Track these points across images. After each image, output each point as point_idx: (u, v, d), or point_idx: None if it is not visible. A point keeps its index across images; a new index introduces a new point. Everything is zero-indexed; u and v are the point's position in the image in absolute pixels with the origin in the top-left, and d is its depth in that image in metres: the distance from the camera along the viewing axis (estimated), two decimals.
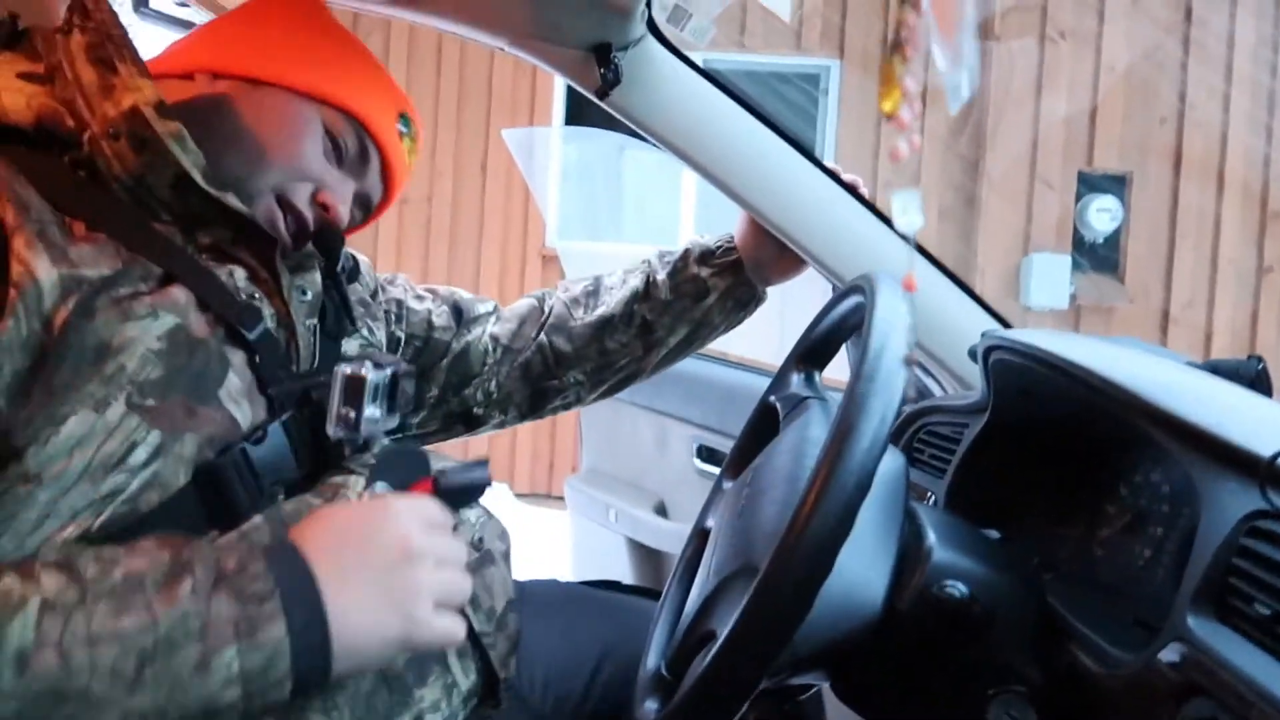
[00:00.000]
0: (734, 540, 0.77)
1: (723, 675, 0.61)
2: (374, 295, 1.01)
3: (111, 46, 0.74)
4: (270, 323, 0.78)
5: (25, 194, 0.67)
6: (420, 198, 4.55)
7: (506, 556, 0.88)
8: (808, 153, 1.13)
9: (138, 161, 0.72)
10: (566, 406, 1.14)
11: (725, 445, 0.99)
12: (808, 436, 0.78)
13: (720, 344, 1.22)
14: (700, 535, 0.91)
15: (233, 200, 0.75)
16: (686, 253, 1.12)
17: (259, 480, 0.71)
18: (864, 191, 1.16)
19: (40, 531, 0.62)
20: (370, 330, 0.94)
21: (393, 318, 1.02)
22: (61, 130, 0.72)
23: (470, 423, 1.10)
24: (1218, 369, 0.84)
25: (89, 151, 0.72)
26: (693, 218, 4.47)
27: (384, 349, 0.97)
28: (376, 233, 4.50)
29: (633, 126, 1.09)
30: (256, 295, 0.78)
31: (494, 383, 1.09)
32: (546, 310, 1.12)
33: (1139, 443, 0.78)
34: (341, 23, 0.90)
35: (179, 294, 0.71)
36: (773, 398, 0.92)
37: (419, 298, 1.06)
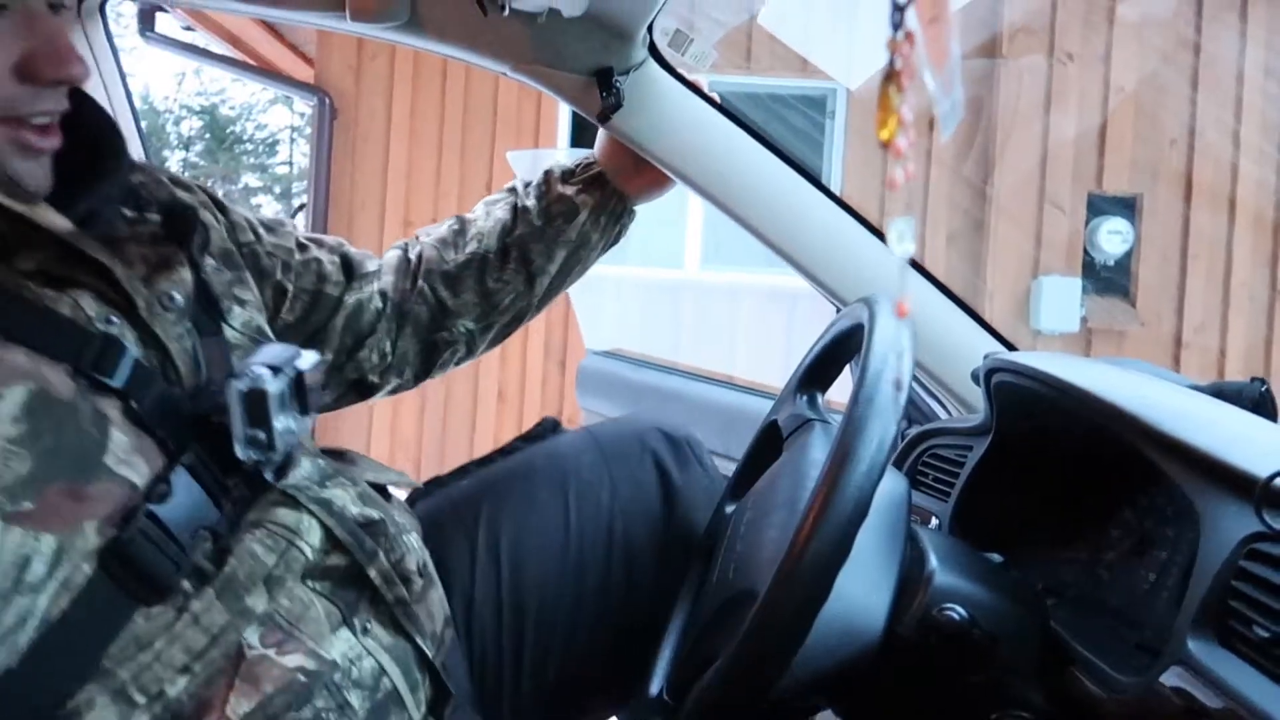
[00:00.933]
0: (735, 564, 0.77)
1: (722, 700, 0.61)
2: (234, 237, 0.87)
3: None
4: (137, 350, 0.67)
5: None
6: (425, 219, 4.58)
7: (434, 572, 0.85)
8: (810, 175, 1.15)
9: None
10: (459, 360, 1.09)
11: (729, 470, 1.00)
12: (808, 459, 0.79)
13: (725, 366, 1.23)
14: (702, 557, 0.92)
15: (61, 221, 0.65)
16: (549, 174, 1.09)
17: (177, 541, 0.64)
18: None
19: None
20: (245, 293, 0.83)
21: (279, 265, 0.92)
22: None
23: (364, 390, 1.03)
24: (1221, 392, 0.85)
25: None
26: (699, 241, 4.49)
27: (267, 306, 0.88)
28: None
29: (635, 149, 1.11)
30: (113, 319, 0.67)
31: (387, 343, 1.02)
32: (414, 257, 1.06)
33: (1142, 465, 0.78)
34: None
35: (18, 354, 0.61)
36: (775, 419, 0.93)
37: (304, 246, 0.97)
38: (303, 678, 0.67)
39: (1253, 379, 0.88)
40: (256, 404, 0.66)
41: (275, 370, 0.67)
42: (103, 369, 0.64)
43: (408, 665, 0.75)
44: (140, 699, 0.61)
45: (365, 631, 0.73)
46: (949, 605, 0.68)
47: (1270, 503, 0.57)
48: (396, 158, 4.50)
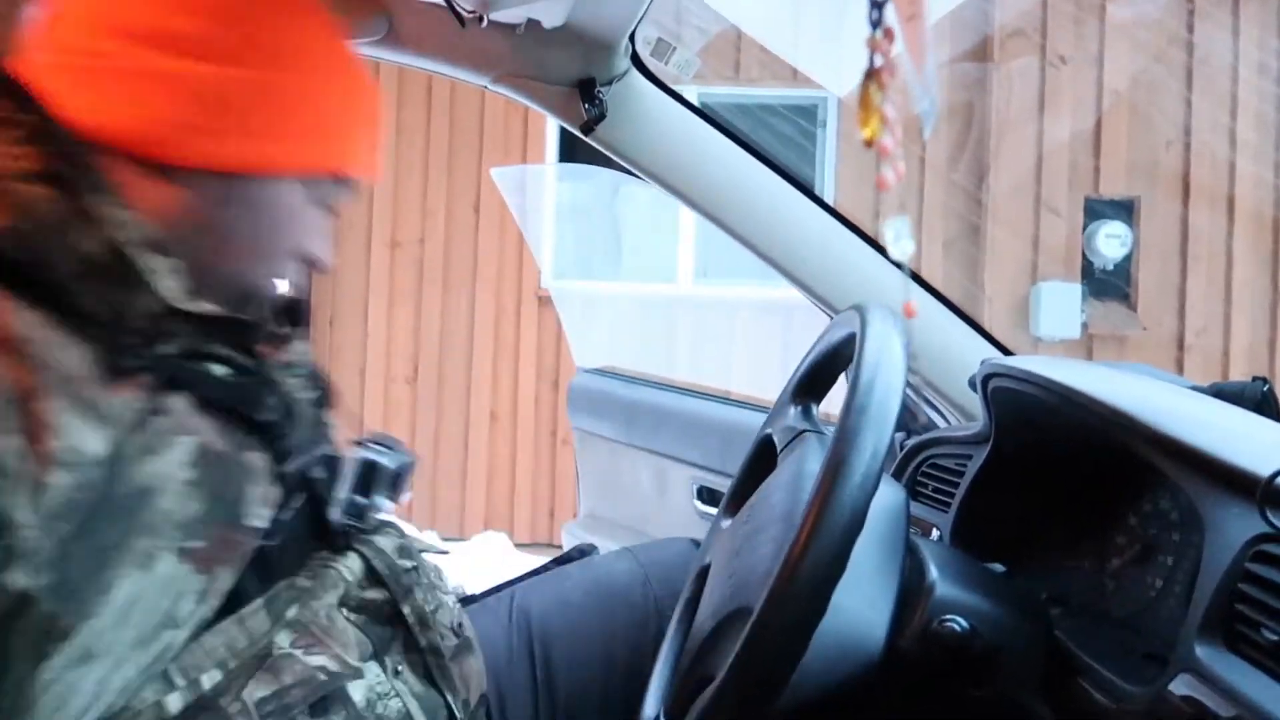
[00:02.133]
0: (730, 580, 0.77)
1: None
2: None
3: (72, 167, 0.64)
4: (274, 408, 0.72)
5: (49, 344, 0.59)
6: (412, 239, 4.58)
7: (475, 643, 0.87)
8: (799, 183, 1.15)
9: (114, 297, 0.63)
10: None
11: (726, 486, 1.00)
12: (803, 471, 0.79)
13: (721, 381, 1.23)
14: (699, 575, 0.91)
15: (212, 308, 0.69)
16: None
17: (272, 579, 0.70)
18: None
19: (89, 715, 0.59)
20: None
21: None
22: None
23: None
24: (1222, 392, 0.85)
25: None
26: (691, 255, 4.50)
27: None
28: (368, 275, 4.53)
29: (620, 160, 1.11)
30: (252, 373, 0.72)
31: None
32: None
33: (1145, 470, 0.78)
34: None
35: (178, 403, 0.65)
36: (769, 431, 0.93)
37: None
38: (323, 676, 0.69)
39: (1254, 378, 0.88)
40: (368, 476, 0.74)
41: (387, 450, 0.74)
42: (248, 424, 0.70)
43: (436, 718, 0.76)
44: (180, 682, 0.64)
45: (397, 674, 0.75)
46: (950, 617, 0.68)
47: (1274, 502, 0.57)
48: (382, 177, 4.51)
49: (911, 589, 0.70)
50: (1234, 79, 4.50)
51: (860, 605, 0.68)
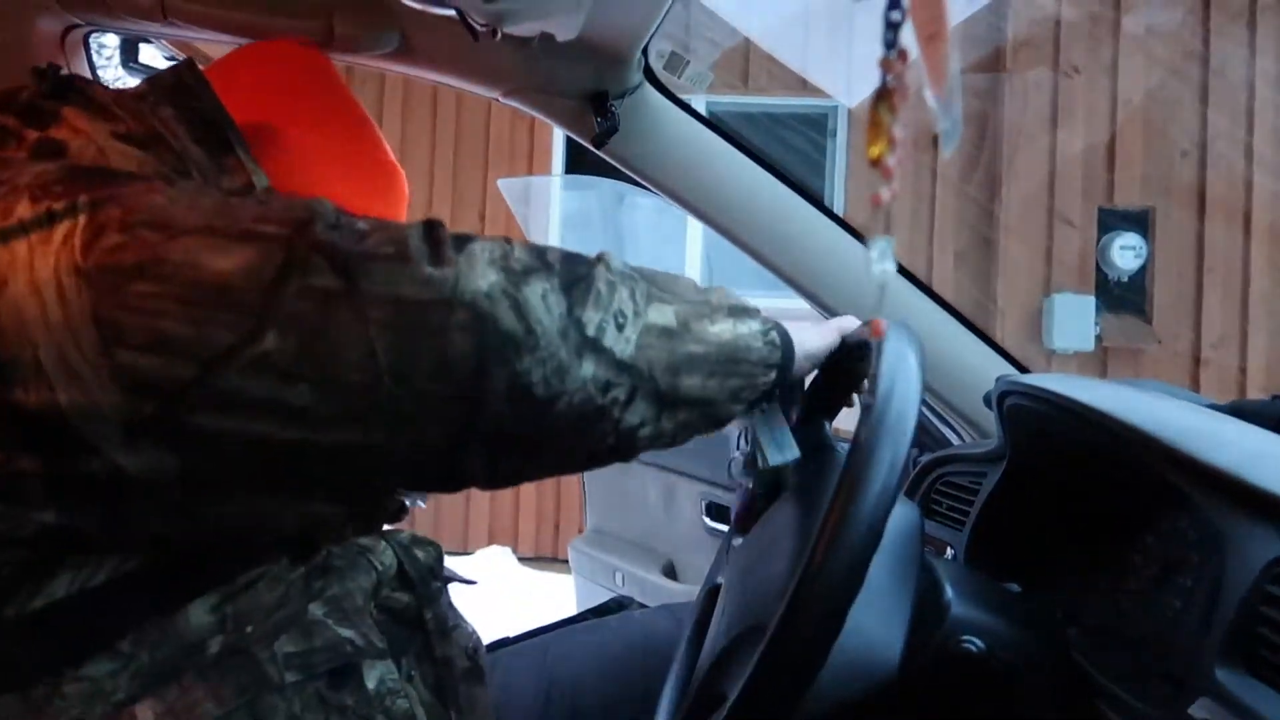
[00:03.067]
0: (743, 598, 0.77)
1: None
2: None
3: (214, 129, 0.75)
4: None
5: None
6: None
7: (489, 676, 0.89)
8: (810, 195, 1.16)
9: None
10: None
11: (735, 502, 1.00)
12: (818, 487, 0.79)
13: None
14: (710, 595, 0.92)
15: None
16: None
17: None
18: None
19: None
20: None
21: None
22: None
23: None
24: (1241, 410, 0.85)
25: None
26: (698, 266, 4.51)
27: None
28: None
29: (631, 174, 1.12)
30: None
31: None
32: None
33: (1162, 488, 0.78)
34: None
35: None
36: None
37: None
38: (348, 648, 0.71)
39: (1274, 396, 0.89)
40: None
41: None
42: None
43: None
44: (230, 626, 0.67)
45: (410, 679, 0.76)
46: (966, 637, 0.68)
47: None
48: None
49: (926, 609, 0.70)
50: (1250, 91, 4.50)
51: (874, 625, 0.68)
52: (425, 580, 0.81)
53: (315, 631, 0.70)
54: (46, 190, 0.60)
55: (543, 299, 0.62)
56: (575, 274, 0.65)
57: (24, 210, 0.60)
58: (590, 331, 0.64)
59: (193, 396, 0.57)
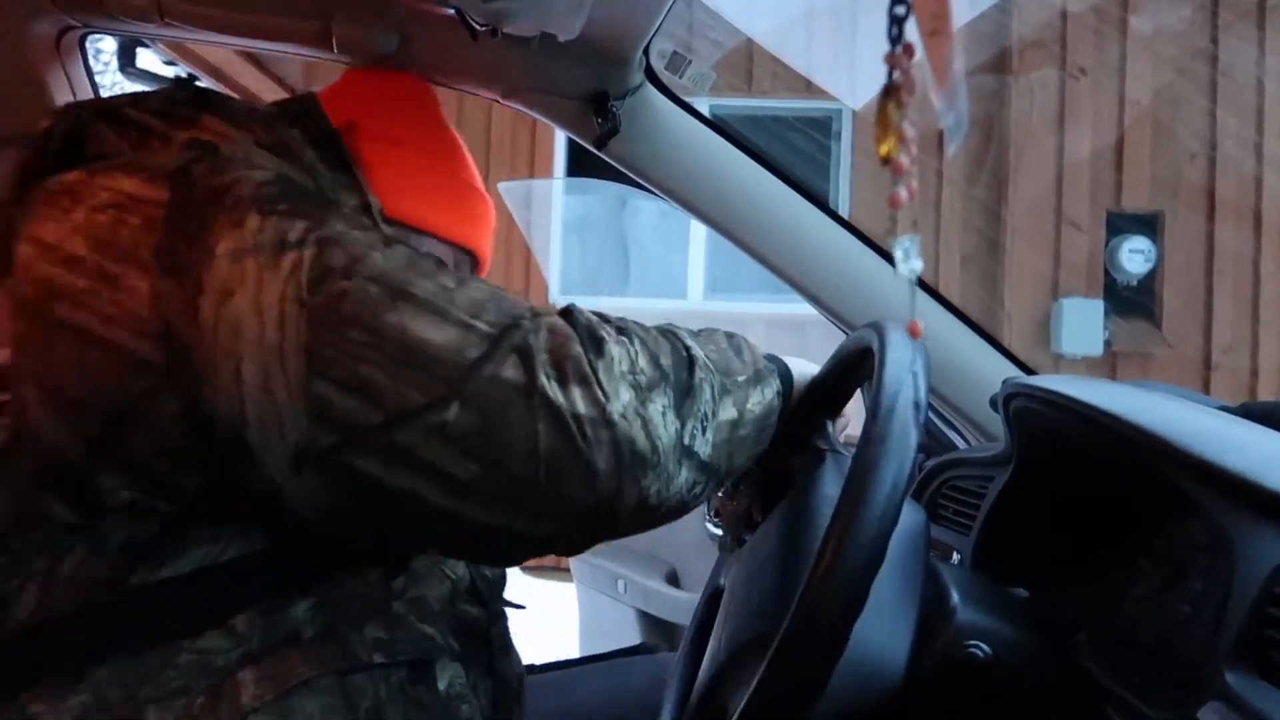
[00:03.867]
0: (747, 607, 0.77)
1: None
2: None
3: (333, 149, 0.81)
4: None
5: None
6: None
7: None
8: (814, 197, 1.16)
9: None
10: None
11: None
12: (820, 494, 0.79)
13: None
14: (712, 598, 0.92)
15: None
16: None
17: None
18: None
19: None
20: None
21: None
22: None
23: None
24: (1252, 413, 0.85)
25: None
26: (702, 270, 4.51)
27: None
28: None
29: (633, 176, 1.12)
30: None
31: None
32: None
33: (1171, 492, 0.78)
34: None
35: None
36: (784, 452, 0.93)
37: None
38: (427, 643, 0.76)
39: None
40: None
41: None
42: None
43: None
44: (325, 612, 0.71)
45: (475, 689, 0.81)
46: (973, 643, 0.68)
47: None
48: None
49: (932, 614, 0.70)
50: (1260, 91, 4.50)
51: (880, 631, 0.68)
52: (494, 597, 0.86)
53: (399, 624, 0.75)
54: (273, 206, 0.65)
55: (663, 416, 0.69)
56: (683, 384, 0.72)
57: (253, 224, 0.64)
58: (687, 440, 0.71)
59: (370, 442, 0.62)
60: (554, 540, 0.69)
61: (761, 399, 0.81)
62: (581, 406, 0.65)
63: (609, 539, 0.70)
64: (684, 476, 0.71)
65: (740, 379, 0.79)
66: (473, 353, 0.64)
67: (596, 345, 0.68)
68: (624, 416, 0.66)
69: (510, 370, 0.64)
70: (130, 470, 0.63)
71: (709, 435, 0.73)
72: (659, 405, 0.69)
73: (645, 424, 0.67)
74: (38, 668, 0.63)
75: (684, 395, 0.71)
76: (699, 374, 0.74)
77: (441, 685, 0.77)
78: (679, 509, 0.73)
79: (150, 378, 0.62)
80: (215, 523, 0.66)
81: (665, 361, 0.72)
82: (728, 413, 0.76)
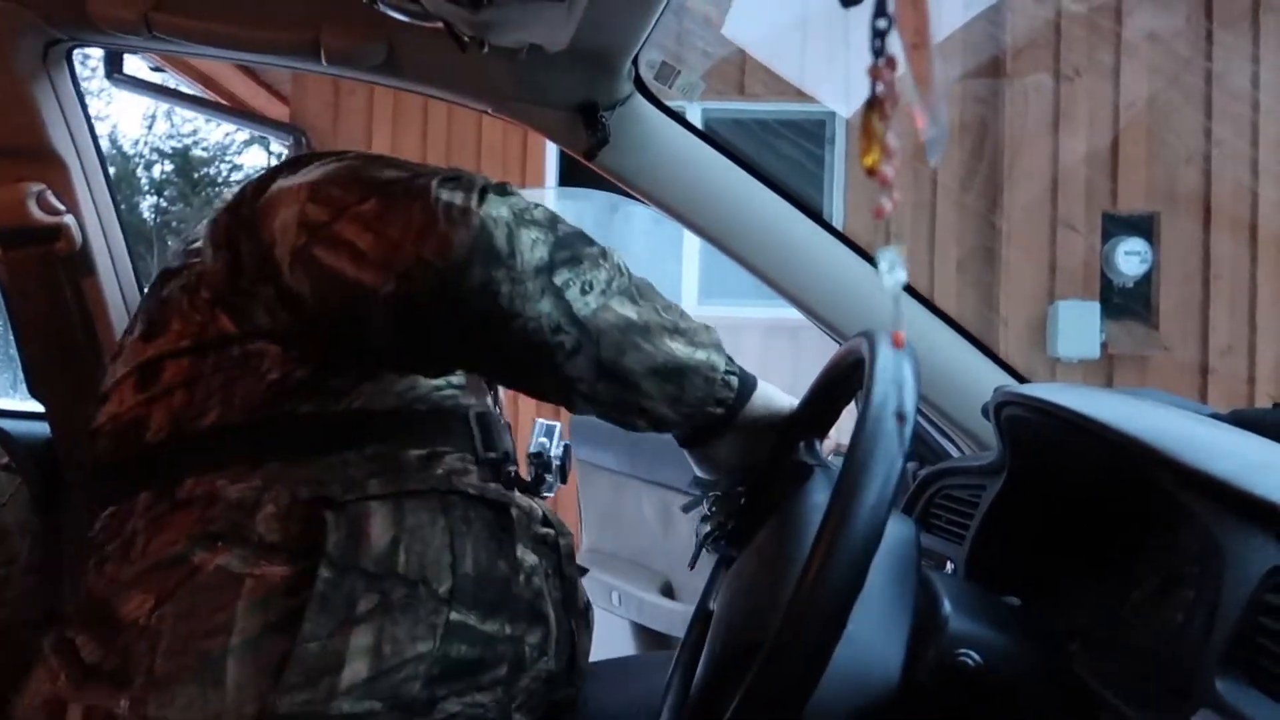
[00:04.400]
0: (737, 617, 0.78)
1: None
2: None
3: None
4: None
5: None
6: None
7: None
8: (805, 206, 1.17)
9: None
10: None
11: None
12: (810, 504, 0.80)
13: None
14: (703, 619, 0.92)
15: None
16: None
17: None
18: None
19: None
20: None
21: None
22: None
23: None
24: (1243, 420, 0.86)
25: None
26: (695, 276, 4.52)
27: None
28: None
29: (624, 186, 1.13)
30: None
31: None
32: None
33: (1163, 499, 0.79)
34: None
35: None
36: (774, 467, 0.94)
37: None
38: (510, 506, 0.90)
39: (1276, 404, 0.89)
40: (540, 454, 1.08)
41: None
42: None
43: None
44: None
45: (546, 577, 0.93)
46: (965, 651, 0.68)
47: None
48: None
49: (925, 623, 0.71)
50: (1255, 92, 4.52)
51: (873, 640, 0.68)
52: (562, 530, 0.97)
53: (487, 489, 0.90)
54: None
55: (532, 243, 0.79)
56: (569, 244, 0.82)
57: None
58: (557, 282, 0.79)
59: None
60: (414, 298, 0.78)
61: (689, 353, 0.87)
62: (455, 199, 0.78)
63: (454, 323, 0.80)
64: (545, 307, 0.78)
65: (664, 314, 0.86)
66: (421, 181, 0.80)
67: (508, 189, 0.81)
68: (493, 220, 0.77)
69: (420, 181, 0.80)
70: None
71: (590, 300, 0.81)
72: (533, 234, 0.79)
73: (510, 235, 0.78)
74: (221, 459, 0.83)
75: (564, 248, 0.81)
76: (594, 254, 0.83)
77: (519, 552, 0.89)
78: (539, 344, 0.80)
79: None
80: (343, 377, 0.85)
81: (563, 229, 0.82)
82: (625, 310, 0.83)
